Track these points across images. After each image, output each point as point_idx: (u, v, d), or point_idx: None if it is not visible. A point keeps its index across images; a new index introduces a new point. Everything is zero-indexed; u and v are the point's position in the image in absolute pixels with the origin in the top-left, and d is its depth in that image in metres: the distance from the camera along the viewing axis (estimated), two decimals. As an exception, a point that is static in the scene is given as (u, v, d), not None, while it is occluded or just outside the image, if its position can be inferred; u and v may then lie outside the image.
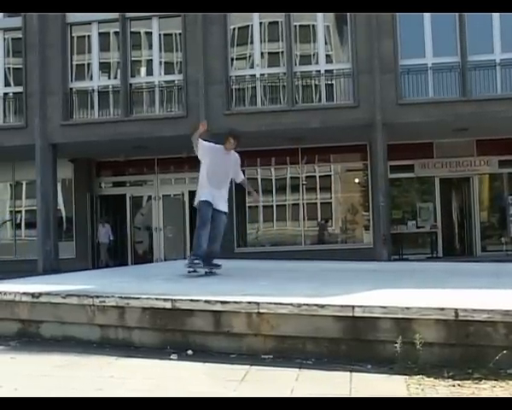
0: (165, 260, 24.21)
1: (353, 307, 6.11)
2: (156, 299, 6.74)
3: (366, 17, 21.84)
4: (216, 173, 9.78)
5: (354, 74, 22.39)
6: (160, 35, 23.95)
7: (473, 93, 21.78)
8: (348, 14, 22.42)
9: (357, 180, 25.86)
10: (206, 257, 9.76)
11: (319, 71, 23.26)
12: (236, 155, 10.31)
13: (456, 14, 21.81)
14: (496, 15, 21.93)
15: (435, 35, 22.27)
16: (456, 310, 5.84)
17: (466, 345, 5.80)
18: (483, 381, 5.32)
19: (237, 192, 25.11)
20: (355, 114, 21.96)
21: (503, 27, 22.00)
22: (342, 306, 6.20)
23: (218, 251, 10.11)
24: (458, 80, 21.98)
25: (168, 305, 6.64)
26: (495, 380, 5.33)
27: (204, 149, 9.94)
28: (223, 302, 6.50)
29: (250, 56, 23.73)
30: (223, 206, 9.93)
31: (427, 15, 22.13)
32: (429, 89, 22.25)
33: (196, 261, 9.62)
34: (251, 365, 5.91)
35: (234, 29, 23.45)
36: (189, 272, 9.64)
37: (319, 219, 25.53)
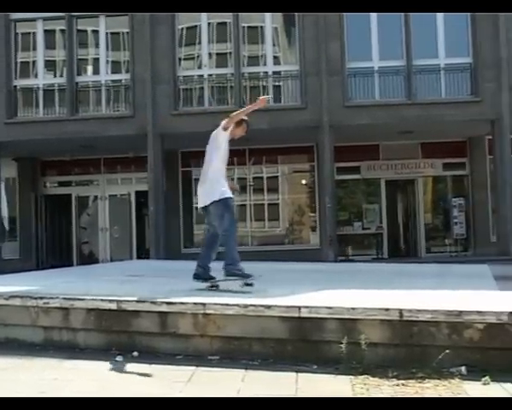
0: (111, 260, 23.99)
1: (299, 307, 6.14)
2: (101, 300, 6.68)
3: (314, 19, 21.97)
4: (224, 163, 8.63)
5: (302, 76, 22.49)
6: (107, 34, 23.70)
7: (418, 96, 22.09)
8: (296, 15, 22.50)
9: (304, 181, 25.98)
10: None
11: (267, 72, 23.31)
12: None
13: (403, 18, 22.09)
14: (440, 21, 22.29)
15: (382, 39, 22.52)
16: (400, 311, 5.91)
17: (410, 345, 5.88)
18: (426, 380, 5.40)
19: (184, 193, 25.13)
20: (302, 115, 22.06)
21: (447, 33, 22.38)
22: (288, 306, 6.22)
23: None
24: (404, 84, 22.26)
25: (113, 306, 6.58)
26: (438, 379, 5.41)
27: (227, 136, 8.54)
28: (169, 303, 6.47)
29: (198, 57, 23.65)
30: None
31: (373, 19, 22.36)
32: (375, 92, 22.48)
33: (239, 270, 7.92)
34: (197, 366, 5.90)
35: (182, 29, 23.36)
36: (247, 284, 7.82)
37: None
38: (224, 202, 8.00)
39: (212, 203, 8.04)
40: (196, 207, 25.26)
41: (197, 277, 8.02)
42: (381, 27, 22.45)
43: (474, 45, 22.19)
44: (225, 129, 8.35)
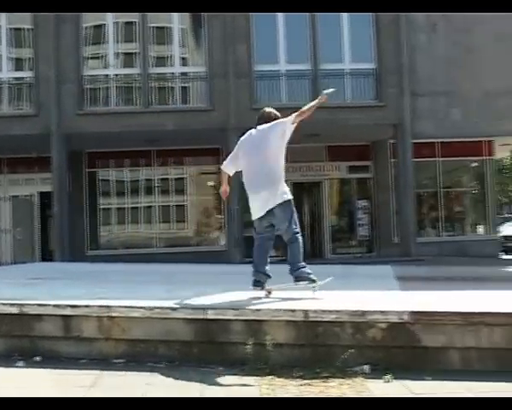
0: (14, 263, 23.34)
1: (205, 309, 6.14)
2: (2, 304, 6.49)
3: (221, 21, 22.02)
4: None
5: (209, 78, 22.50)
6: (8, 29, 23.07)
7: (324, 100, 22.40)
8: (204, 17, 22.49)
9: (211, 183, 25.97)
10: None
11: (174, 73, 23.20)
12: None
13: (309, 23, 22.41)
14: (346, 27, 22.74)
15: (289, 43, 22.77)
16: (305, 311, 5.98)
17: (315, 345, 5.96)
18: (331, 379, 5.48)
19: (90, 194, 24.70)
20: (210, 117, 22.06)
21: (352, 39, 22.85)
22: (194, 308, 6.21)
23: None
24: (310, 87, 22.57)
25: (15, 310, 6.41)
26: (342, 378, 5.50)
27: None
28: (73, 306, 6.34)
29: (104, 56, 23.32)
30: None
31: (281, 23, 22.59)
32: (282, 95, 22.71)
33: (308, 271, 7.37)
34: (102, 370, 5.80)
35: (87, 28, 22.96)
36: (314, 289, 7.19)
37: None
38: (290, 204, 7.44)
39: (279, 205, 7.33)
40: (103, 208, 25.15)
41: (258, 284, 7.31)
42: (289, 31, 22.72)
43: (377, 51, 22.72)
44: (293, 123, 7.55)
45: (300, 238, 7.41)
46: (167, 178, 25.87)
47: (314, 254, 25.33)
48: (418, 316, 5.91)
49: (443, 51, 23.09)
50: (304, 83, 22.65)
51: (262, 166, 7.39)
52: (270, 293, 7.21)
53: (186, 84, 23.60)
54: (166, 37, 23.51)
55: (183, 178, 25.98)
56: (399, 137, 22.58)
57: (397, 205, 23.74)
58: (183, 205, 25.94)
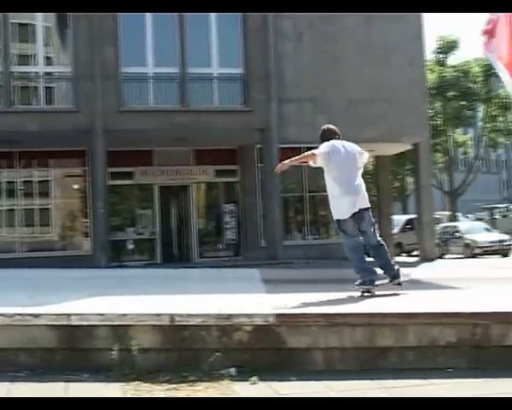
0: None
1: (69, 315, 5.99)
2: None
3: (88, 21, 21.61)
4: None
5: (75, 79, 22.03)
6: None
7: (191, 104, 22.46)
8: (70, 16, 22.00)
9: (76, 186, 25.43)
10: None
11: (38, 72, 22.57)
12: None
13: (177, 27, 22.42)
14: (214, 32, 22.95)
15: (157, 46, 22.69)
16: (171, 315, 5.96)
17: (181, 349, 5.94)
18: (198, 383, 5.48)
19: None
20: (75, 118, 21.61)
21: (221, 44, 23.06)
22: (58, 314, 6.05)
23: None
24: (178, 91, 22.55)
25: None
26: (209, 381, 5.51)
27: None
28: None
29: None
30: None
31: (149, 26, 22.46)
32: (150, 97, 22.58)
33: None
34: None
35: None
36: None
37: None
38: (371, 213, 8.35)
39: (369, 208, 8.27)
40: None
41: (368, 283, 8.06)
42: (157, 33, 22.65)
43: (245, 57, 23.01)
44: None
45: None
46: (31, 181, 25.11)
47: (181, 258, 25.30)
48: (283, 318, 6.00)
49: (309, 59, 23.66)
50: (172, 86, 22.61)
51: (348, 175, 8.18)
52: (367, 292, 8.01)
53: (51, 85, 23.02)
54: (30, 34, 22.82)
55: (47, 181, 25.28)
56: (266, 141, 22.94)
57: (264, 209, 24.08)
58: (48, 208, 25.23)
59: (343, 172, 8.13)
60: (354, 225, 8.12)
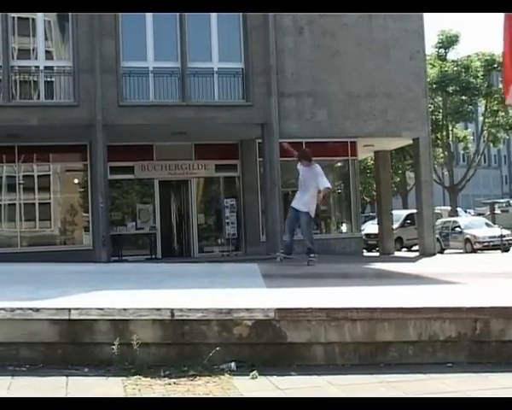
0: None
1: (70, 309, 5.99)
2: None
3: (88, 16, 21.56)
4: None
5: (75, 73, 22.01)
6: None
7: (191, 99, 22.45)
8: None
9: (76, 181, 25.44)
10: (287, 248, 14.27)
11: (38, 67, 22.54)
12: (315, 168, 13.23)
13: (178, 21, 22.38)
14: (214, 26, 22.87)
15: (157, 40, 22.64)
16: (171, 310, 5.96)
17: (182, 344, 5.94)
18: (198, 377, 5.49)
19: None
20: (75, 113, 21.59)
21: (221, 39, 23.02)
22: (58, 309, 6.04)
23: (306, 244, 13.90)
24: (178, 85, 22.53)
25: None
26: (209, 376, 5.52)
27: None
28: None
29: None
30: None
31: (149, 20, 22.41)
32: (150, 92, 22.55)
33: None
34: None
35: None
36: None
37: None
38: None
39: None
40: None
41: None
42: (157, 29, 22.60)
43: (245, 52, 22.97)
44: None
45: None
46: (31, 175, 25.12)
47: (181, 253, 25.33)
48: (283, 313, 6.01)
49: (309, 54, 23.66)
50: (172, 80, 22.58)
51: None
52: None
53: (51, 79, 23.00)
54: (30, 28, 22.78)
55: (47, 175, 25.29)
56: (266, 136, 22.91)
57: (263, 204, 24.07)
58: (48, 203, 25.24)
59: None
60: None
